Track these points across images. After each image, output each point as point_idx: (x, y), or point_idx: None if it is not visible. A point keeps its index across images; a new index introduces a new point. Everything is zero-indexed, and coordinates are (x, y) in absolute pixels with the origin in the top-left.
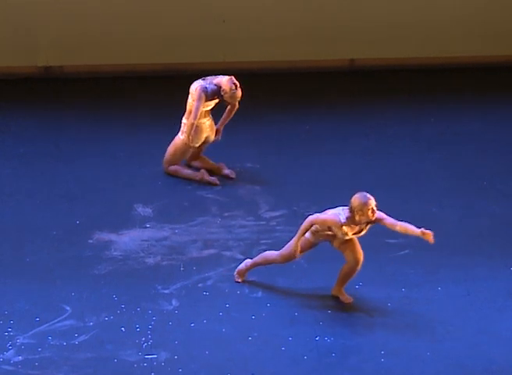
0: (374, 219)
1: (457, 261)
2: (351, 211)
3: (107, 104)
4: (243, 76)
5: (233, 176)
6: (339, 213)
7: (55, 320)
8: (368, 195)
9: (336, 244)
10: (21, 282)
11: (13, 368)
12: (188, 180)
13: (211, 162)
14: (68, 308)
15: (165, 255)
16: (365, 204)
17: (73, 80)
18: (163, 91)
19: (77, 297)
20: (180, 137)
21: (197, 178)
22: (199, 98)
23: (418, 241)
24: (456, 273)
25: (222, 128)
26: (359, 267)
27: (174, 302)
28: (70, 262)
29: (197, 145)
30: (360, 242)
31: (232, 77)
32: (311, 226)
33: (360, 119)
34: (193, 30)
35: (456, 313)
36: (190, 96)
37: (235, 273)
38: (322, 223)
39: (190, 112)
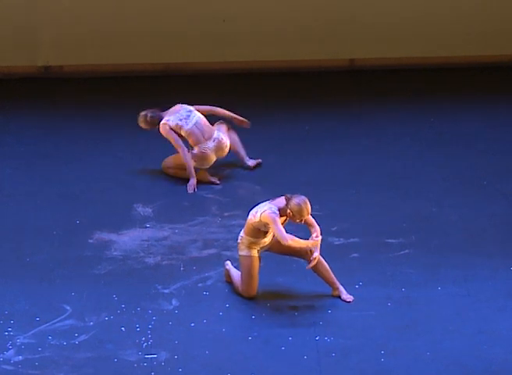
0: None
1: (457, 261)
2: (289, 211)
3: (107, 104)
4: (243, 76)
5: (218, 182)
6: (270, 208)
7: (55, 320)
8: (307, 201)
9: (273, 249)
10: (21, 282)
11: (13, 368)
12: (187, 179)
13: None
14: (68, 308)
15: (165, 255)
16: (305, 209)
17: (73, 80)
18: (163, 90)
19: (77, 297)
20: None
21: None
22: (167, 134)
23: (418, 241)
24: (456, 273)
25: (237, 119)
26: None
27: (174, 302)
28: (70, 262)
29: (207, 167)
30: (359, 242)
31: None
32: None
33: (360, 119)
34: (193, 29)
35: (456, 313)
36: None
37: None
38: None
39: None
